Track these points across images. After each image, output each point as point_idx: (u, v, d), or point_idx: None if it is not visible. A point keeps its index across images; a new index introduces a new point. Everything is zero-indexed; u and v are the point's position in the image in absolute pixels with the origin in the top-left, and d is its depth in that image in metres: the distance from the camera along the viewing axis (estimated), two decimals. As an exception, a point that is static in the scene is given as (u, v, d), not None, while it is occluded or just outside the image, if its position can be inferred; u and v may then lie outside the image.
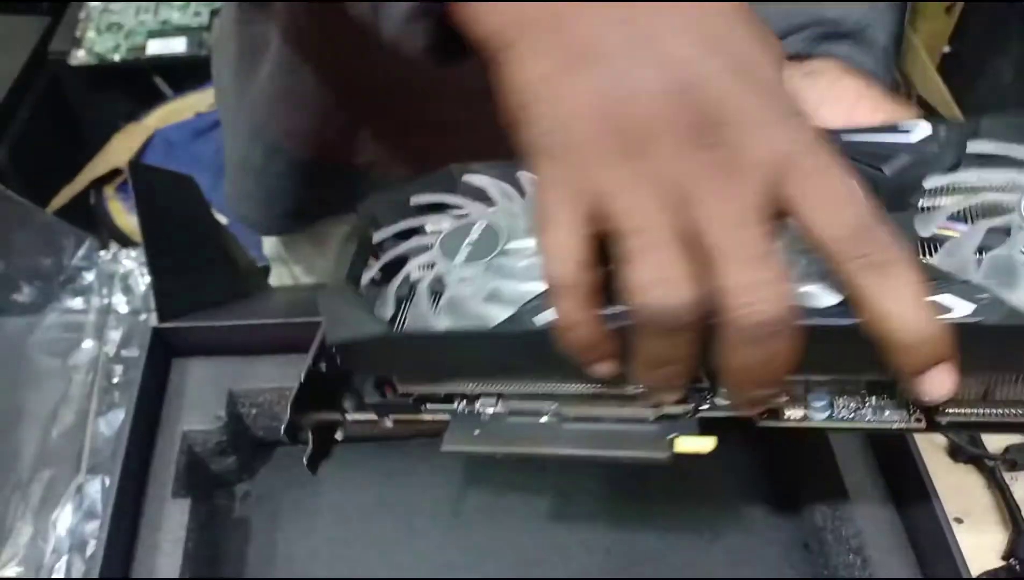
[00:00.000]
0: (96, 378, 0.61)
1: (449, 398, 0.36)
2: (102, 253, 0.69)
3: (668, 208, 0.25)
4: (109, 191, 1.39)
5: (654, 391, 0.30)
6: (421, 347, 0.34)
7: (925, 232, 0.31)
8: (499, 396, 0.36)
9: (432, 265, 0.36)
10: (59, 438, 0.58)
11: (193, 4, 1.50)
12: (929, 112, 1.45)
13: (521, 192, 0.38)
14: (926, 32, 1.48)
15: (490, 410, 0.36)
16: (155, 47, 1.45)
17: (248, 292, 0.67)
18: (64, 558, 0.52)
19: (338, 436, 0.40)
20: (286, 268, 0.77)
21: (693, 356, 0.27)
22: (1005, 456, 0.58)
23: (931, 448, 0.59)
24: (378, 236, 0.39)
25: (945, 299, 0.27)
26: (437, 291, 0.35)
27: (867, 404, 0.33)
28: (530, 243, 0.35)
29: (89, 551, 0.52)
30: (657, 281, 0.25)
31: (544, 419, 0.35)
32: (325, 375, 0.38)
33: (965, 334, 0.26)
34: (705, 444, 0.33)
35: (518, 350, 0.33)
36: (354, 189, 0.51)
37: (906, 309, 0.25)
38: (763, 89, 0.26)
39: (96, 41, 1.45)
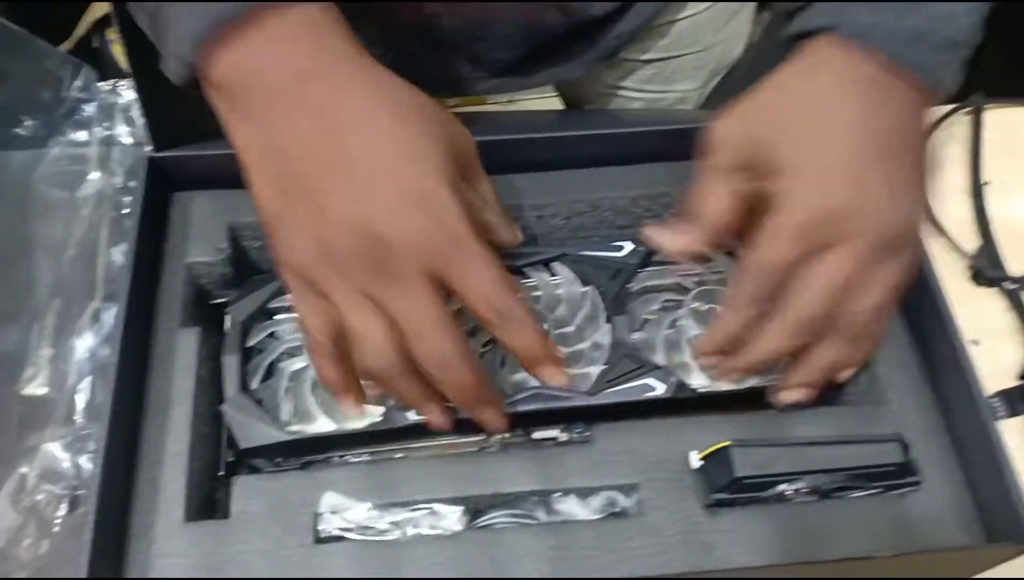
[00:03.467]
0: (105, 209, 0.61)
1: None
2: (101, 84, 0.67)
3: (365, 308, 0.38)
4: (111, 34, 1.34)
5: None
6: (315, 443, 0.46)
7: (636, 323, 0.49)
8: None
9: (307, 365, 0.48)
10: (72, 268, 0.58)
11: None
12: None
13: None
14: None
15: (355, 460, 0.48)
16: None
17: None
18: (88, 379, 0.54)
19: None
20: None
21: (411, 387, 0.40)
22: (1028, 279, 0.57)
23: (952, 274, 0.57)
24: (251, 341, 0.49)
25: (648, 382, 0.45)
26: (313, 383, 0.47)
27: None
28: None
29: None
30: (374, 360, 0.39)
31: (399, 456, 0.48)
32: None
33: (663, 404, 0.45)
34: None
35: (389, 437, 0.46)
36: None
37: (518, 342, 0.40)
38: (428, 213, 0.37)
39: None
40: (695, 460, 0.43)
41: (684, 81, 0.75)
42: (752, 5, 0.75)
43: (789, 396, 0.44)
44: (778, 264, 0.40)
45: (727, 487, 0.41)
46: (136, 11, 0.41)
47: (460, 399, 0.41)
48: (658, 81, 0.74)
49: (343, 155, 0.37)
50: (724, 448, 0.41)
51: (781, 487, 0.41)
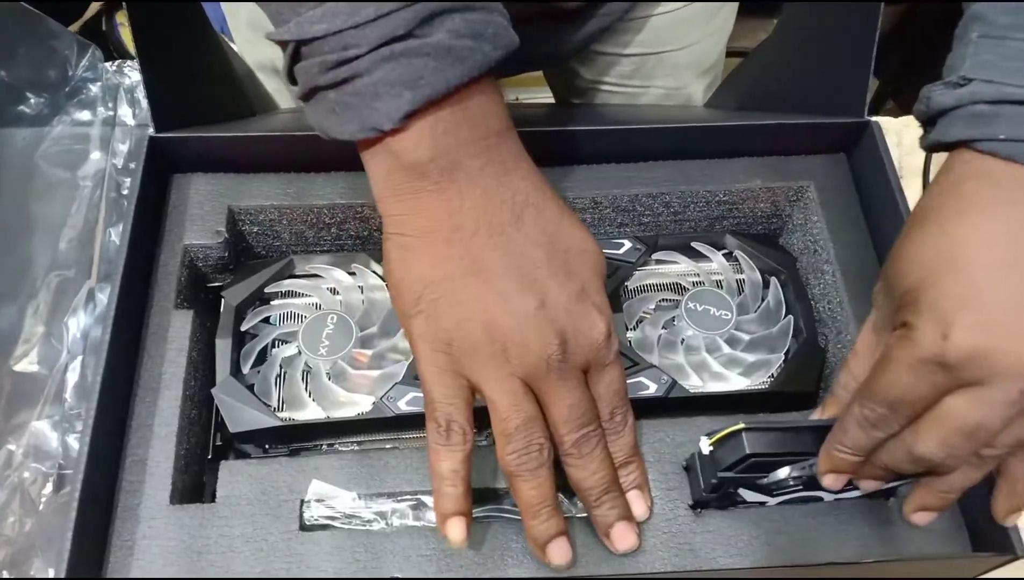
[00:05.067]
0: (104, 189, 0.61)
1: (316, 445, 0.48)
2: (107, 65, 0.67)
3: (527, 400, 0.38)
4: (120, 17, 1.34)
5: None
6: (304, 430, 0.47)
7: (632, 320, 0.51)
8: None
9: (299, 352, 0.48)
10: (70, 247, 0.58)
11: None
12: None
13: (352, 275, 0.52)
14: None
15: (344, 449, 0.48)
16: None
17: (253, 112, 0.66)
18: (79, 358, 0.54)
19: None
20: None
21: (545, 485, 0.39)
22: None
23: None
24: (245, 325, 0.50)
25: (642, 380, 0.46)
26: (305, 371, 0.48)
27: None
28: (374, 330, 0.49)
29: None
30: (518, 453, 0.38)
31: (388, 446, 0.48)
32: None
33: (656, 403, 0.46)
34: None
35: (379, 427, 0.47)
36: None
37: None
38: (593, 310, 0.39)
39: None
40: (705, 446, 0.41)
41: (664, 78, 0.75)
42: (733, 6, 0.75)
43: (918, 519, 0.40)
44: (891, 398, 0.36)
45: (735, 465, 0.40)
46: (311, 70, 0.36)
47: (599, 483, 0.40)
48: (638, 77, 0.74)
49: (538, 242, 0.38)
50: (736, 432, 0.39)
51: (784, 470, 0.40)
